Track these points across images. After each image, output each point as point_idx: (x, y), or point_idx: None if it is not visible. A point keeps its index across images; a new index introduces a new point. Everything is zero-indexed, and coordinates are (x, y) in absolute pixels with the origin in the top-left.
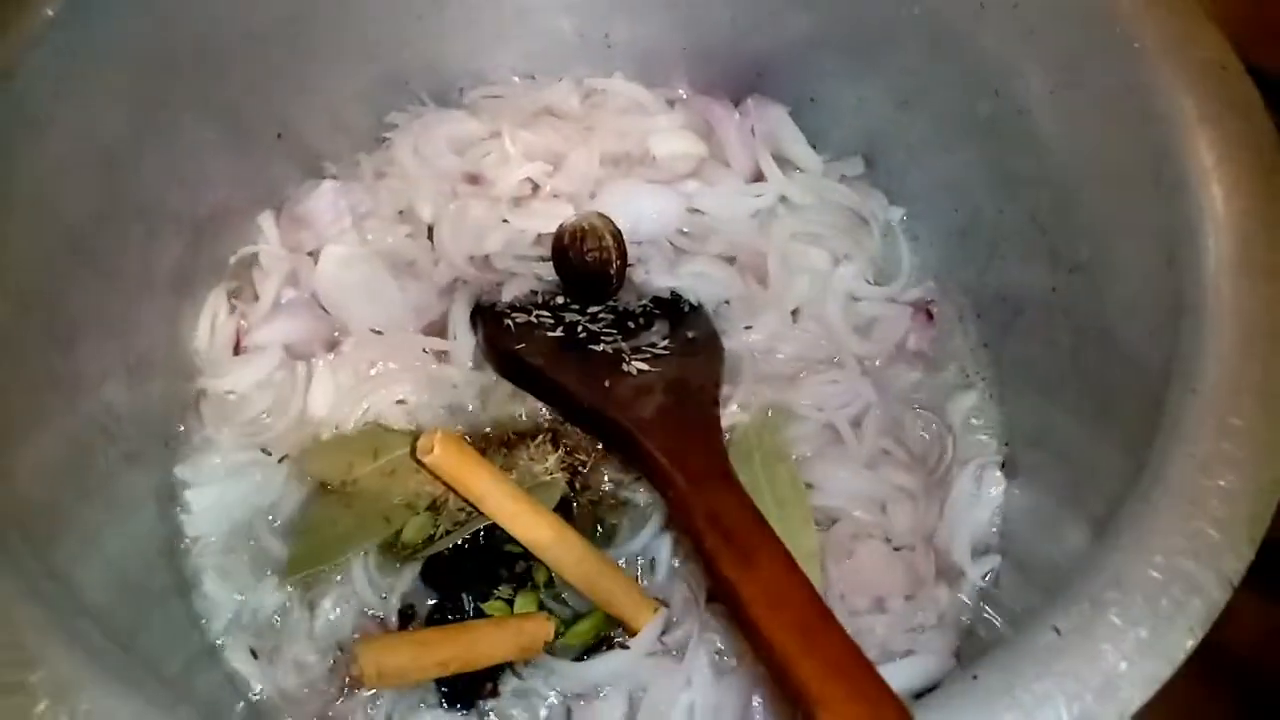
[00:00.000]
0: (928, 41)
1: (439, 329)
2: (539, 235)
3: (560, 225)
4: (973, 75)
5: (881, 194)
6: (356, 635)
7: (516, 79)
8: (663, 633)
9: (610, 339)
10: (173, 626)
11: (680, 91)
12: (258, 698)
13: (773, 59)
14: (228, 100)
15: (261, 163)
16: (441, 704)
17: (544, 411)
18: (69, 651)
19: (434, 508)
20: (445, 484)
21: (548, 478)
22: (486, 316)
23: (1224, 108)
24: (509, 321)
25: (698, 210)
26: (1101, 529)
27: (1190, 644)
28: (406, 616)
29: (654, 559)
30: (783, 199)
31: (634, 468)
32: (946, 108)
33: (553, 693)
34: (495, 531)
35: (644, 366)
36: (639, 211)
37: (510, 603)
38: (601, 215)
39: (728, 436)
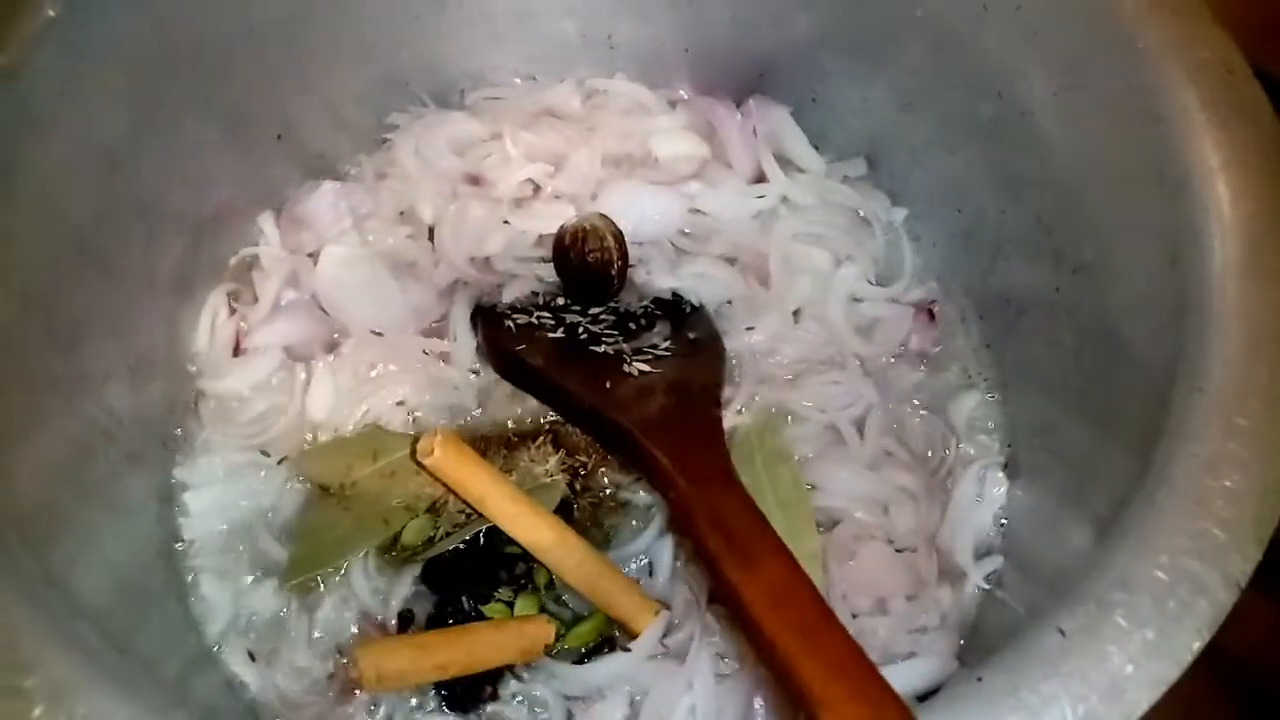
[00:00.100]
0: (930, 43)
1: (439, 330)
2: (540, 236)
3: (561, 226)
4: (976, 76)
5: (884, 195)
6: (355, 638)
7: (518, 80)
8: (664, 635)
9: (611, 340)
10: (170, 629)
11: (682, 92)
12: (256, 701)
13: (775, 60)
14: (228, 101)
15: (262, 163)
16: (441, 707)
17: (545, 413)
18: (66, 655)
19: (434, 510)
20: (445, 486)
21: (548, 480)
22: (487, 318)
23: (1230, 109)
24: (509, 323)
25: (699, 211)
26: (1105, 530)
27: (1197, 645)
28: (406, 619)
29: (655, 561)
30: (785, 200)
31: (635, 469)
32: (949, 109)
33: (553, 696)
34: (495, 534)
35: (645, 367)
36: (640, 212)
37: (510, 605)
38: (603, 216)
39: (729, 437)
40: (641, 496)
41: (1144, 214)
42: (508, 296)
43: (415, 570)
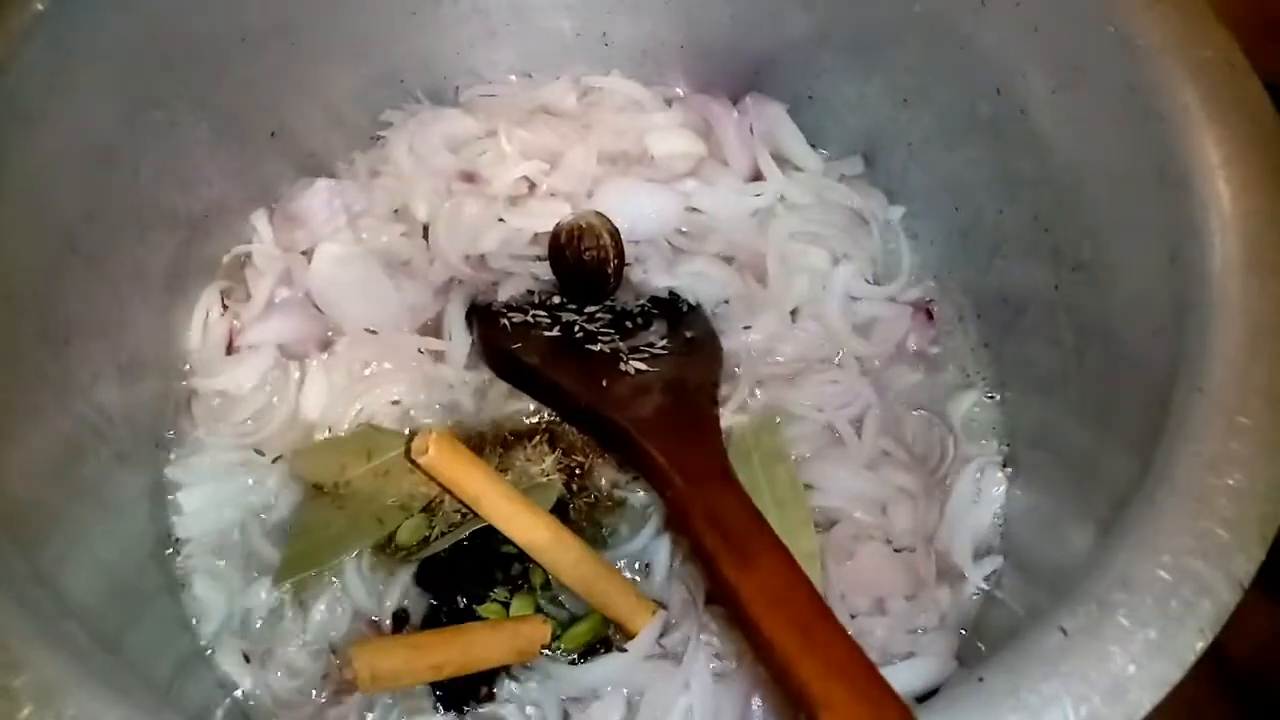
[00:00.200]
0: (928, 39)
1: (434, 329)
2: (536, 234)
3: (557, 224)
4: (973, 73)
5: (881, 193)
6: (350, 638)
7: (513, 77)
8: (661, 635)
9: (608, 339)
10: (162, 629)
11: (678, 89)
12: (249, 701)
13: (772, 57)
14: (221, 98)
15: (255, 161)
16: (436, 708)
17: (541, 412)
18: (54, 655)
19: (429, 509)
20: (440, 485)
21: (544, 479)
22: (482, 316)
23: (1230, 106)
24: (505, 321)
25: (696, 209)
26: (1106, 530)
27: (1200, 646)
28: (401, 619)
29: (652, 561)
30: (782, 198)
31: (632, 468)
32: (947, 106)
33: (549, 696)
34: (491, 533)
35: (642, 366)
36: (637, 210)
37: (506, 605)
38: (599, 214)
39: (726, 437)
40: (638, 496)
41: (1143, 211)
42: (503, 295)
43: (410, 570)
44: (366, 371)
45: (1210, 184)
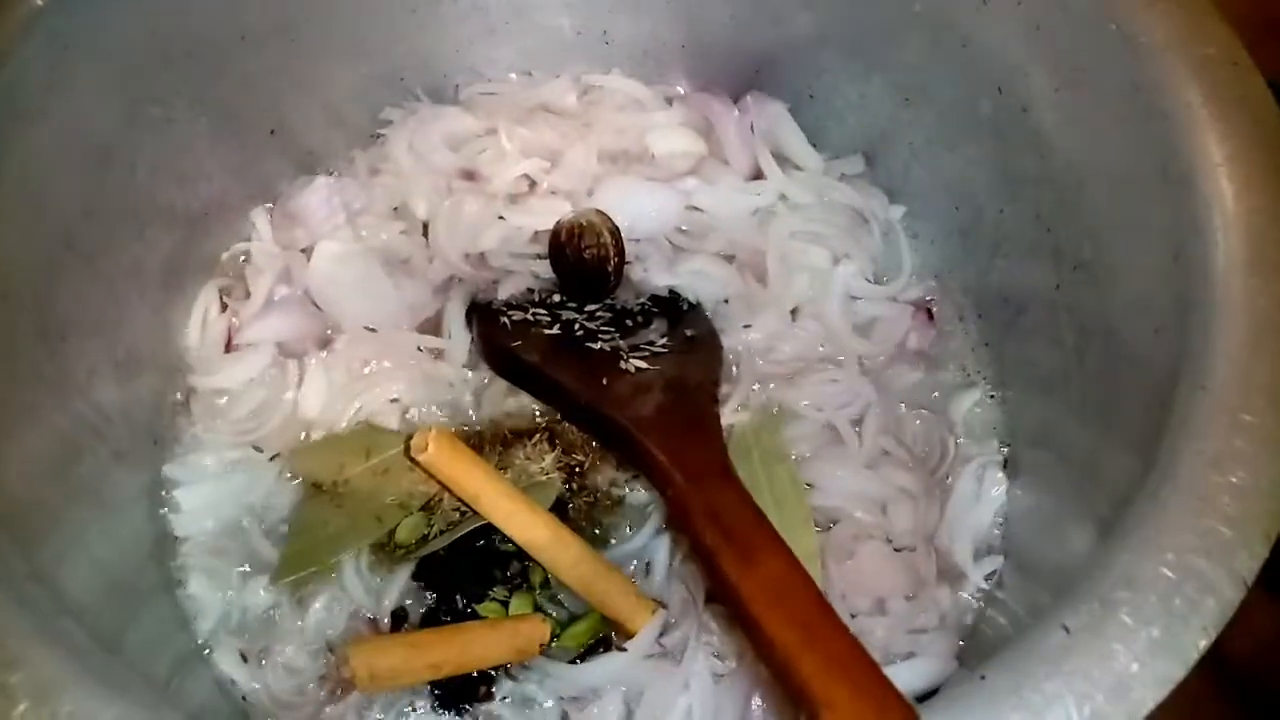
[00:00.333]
0: (929, 38)
1: (434, 327)
2: (536, 232)
3: (558, 222)
4: (975, 72)
5: (882, 192)
6: (348, 637)
7: (513, 75)
8: (660, 635)
9: (608, 337)
10: (160, 627)
11: (679, 88)
12: (247, 700)
13: (773, 56)
14: (220, 95)
15: (254, 158)
16: (435, 707)
17: (541, 410)
18: (51, 652)
19: (428, 508)
20: (439, 483)
21: (544, 477)
22: (482, 314)
23: (1233, 104)
24: (505, 319)
25: (696, 208)
26: (1107, 529)
27: (1204, 644)
28: (399, 618)
29: (651, 560)
30: (782, 197)
31: (632, 466)
32: (948, 105)
33: (548, 696)
34: (490, 532)
35: (642, 364)
36: (637, 209)
37: (505, 604)
38: (599, 212)
39: (726, 435)
40: (638, 495)
41: (1146, 210)
42: (503, 293)
43: (409, 569)
44: (366, 370)
45: (1213, 182)
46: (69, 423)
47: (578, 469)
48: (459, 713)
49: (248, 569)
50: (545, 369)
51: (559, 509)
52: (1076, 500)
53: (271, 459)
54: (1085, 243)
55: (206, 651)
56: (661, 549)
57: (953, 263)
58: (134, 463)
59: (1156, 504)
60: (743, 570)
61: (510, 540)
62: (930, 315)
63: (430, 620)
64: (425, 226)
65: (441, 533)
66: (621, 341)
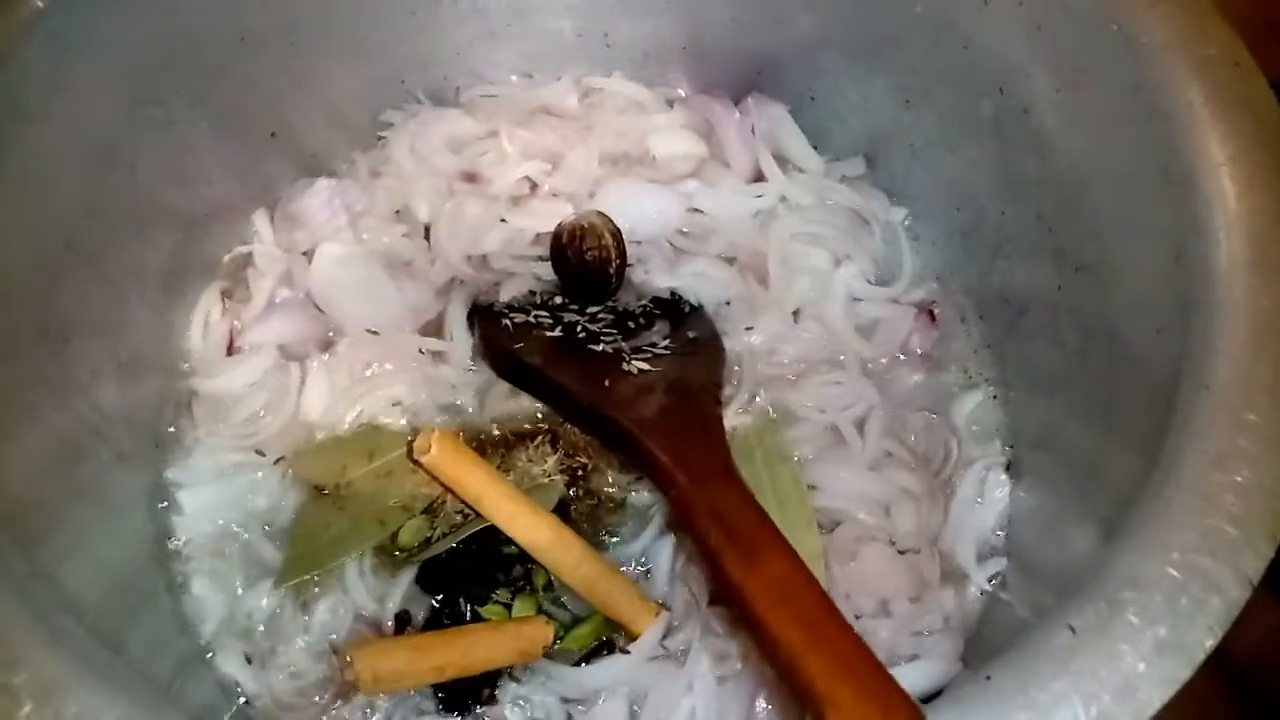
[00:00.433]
0: (930, 39)
1: (435, 329)
2: (537, 235)
3: (559, 224)
4: (976, 74)
5: (883, 194)
6: (351, 639)
7: (514, 78)
8: (664, 637)
9: (610, 339)
10: (162, 629)
11: (680, 90)
12: (250, 703)
13: (774, 58)
14: (221, 97)
15: (256, 160)
16: (438, 710)
17: (543, 412)
18: (55, 652)
19: (430, 510)
20: (442, 485)
21: (546, 480)
22: (484, 316)
23: (1235, 104)
24: (507, 321)
25: (698, 210)
26: (1111, 530)
27: (1210, 643)
28: (403, 621)
29: (654, 562)
30: (783, 199)
31: (635, 467)
32: (950, 107)
33: (552, 698)
34: (493, 535)
35: (644, 366)
36: (639, 211)
37: (508, 607)
38: (601, 214)
39: (729, 437)
40: (640, 497)
41: (1147, 211)
42: (505, 295)
43: (412, 571)
44: (368, 372)
45: (1215, 182)
46: (71, 424)
47: (580, 471)
48: (463, 715)
49: (251, 572)
50: (547, 371)
51: (561, 511)
52: (1079, 501)
53: (274, 462)
54: (1087, 243)
55: (209, 654)
56: (664, 551)
57: (954, 264)
58: (136, 464)
59: (1161, 504)
60: (746, 570)
61: (513, 542)
62: (932, 317)
63: (433, 623)
64: (427, 229)
65: (444, 535)
66: (623, 343)
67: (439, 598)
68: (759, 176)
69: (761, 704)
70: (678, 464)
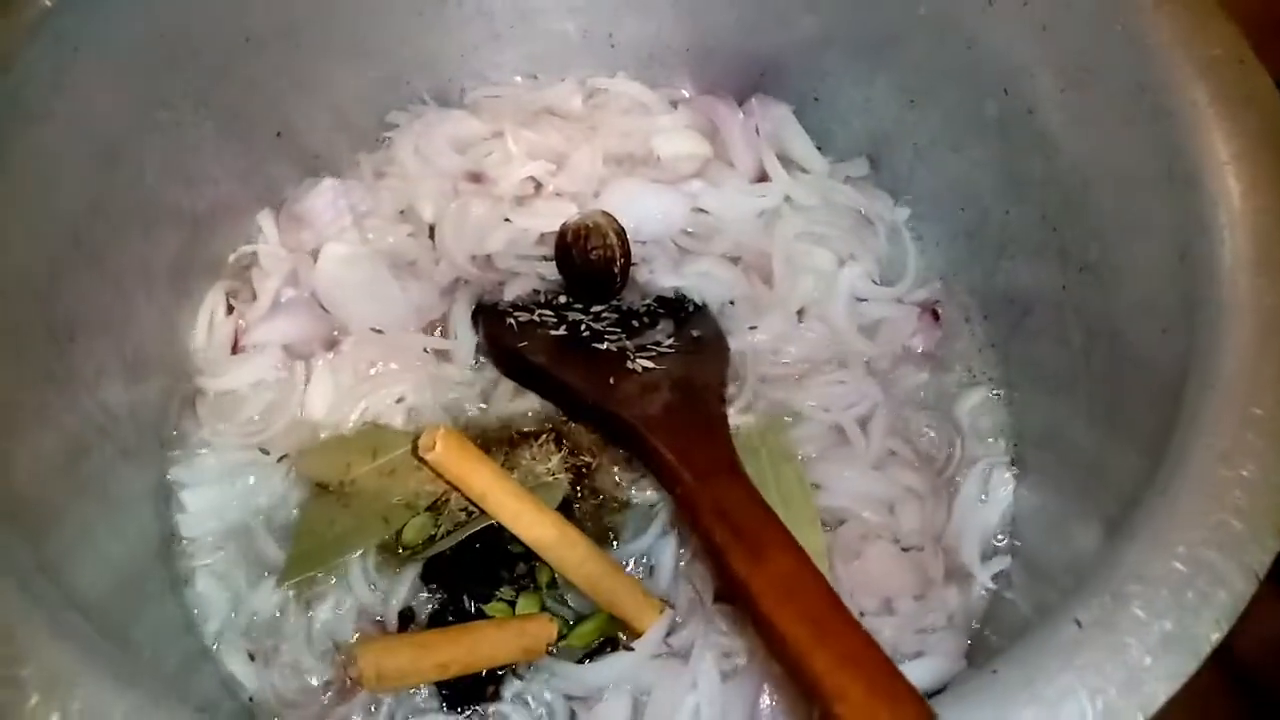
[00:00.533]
0: (934, 40)
1: (440, 329)
2: (542, 235)
3: (564, 223)
4: (980, 74)
5: (887, 195)
6: (355, 637)
7: (518, 79)
8: (668, 634)
9: (614, 338)
10: (167, 626)
11: (684, 91)
12: (254, 700)
13: (777, 59)
14: (226, 98)
15: (261, 161)
16: (442, 707)
17: (547, 411)
18: (60, 645)
19: (434, 508)
20: (446, 482)
21: (550, 478)
22: (488, 315)
23: (1240, 103)
24: (511, 320)
25: (702, 210)
26: (1114, 528)
27: (1216, 637)
28: (406, 618)
29: (658, 560)
30: (787, 199)
31: (641, 464)
32: (954, 107)
33: (555, 695)
34: (497, 532)
35: (649, 364)
36: (643, 211)
37: (512, 604)
38: (605, 214)
39: (733, 436)
40: (644, 495)
41: (1152, 210)
42: (509, 294)
43: (416, 569)
44: (372, 371)
45: (1220, 180)
46: (76, 422)
47: (584, 470)
48: (466, 712)
49: (254, 570)
50: (552, 369)
51: (565, 510)
52: (1083, 500)
53: (279, 460)
54: (1091, 243)
55: (213, 651)
56: (668, 549)
57: (958, 264)
58: (141, 463)
59: (1167, 499)
60: (752, 566)
61: (517, 540)
62: (936, 316)
63: (437, 620)
64: (431, 229)
65: (448, 533)
66: (628, 342)
67: (443, 595)
68: (763, 177)
69: (766, 701)
70: (683, 461)
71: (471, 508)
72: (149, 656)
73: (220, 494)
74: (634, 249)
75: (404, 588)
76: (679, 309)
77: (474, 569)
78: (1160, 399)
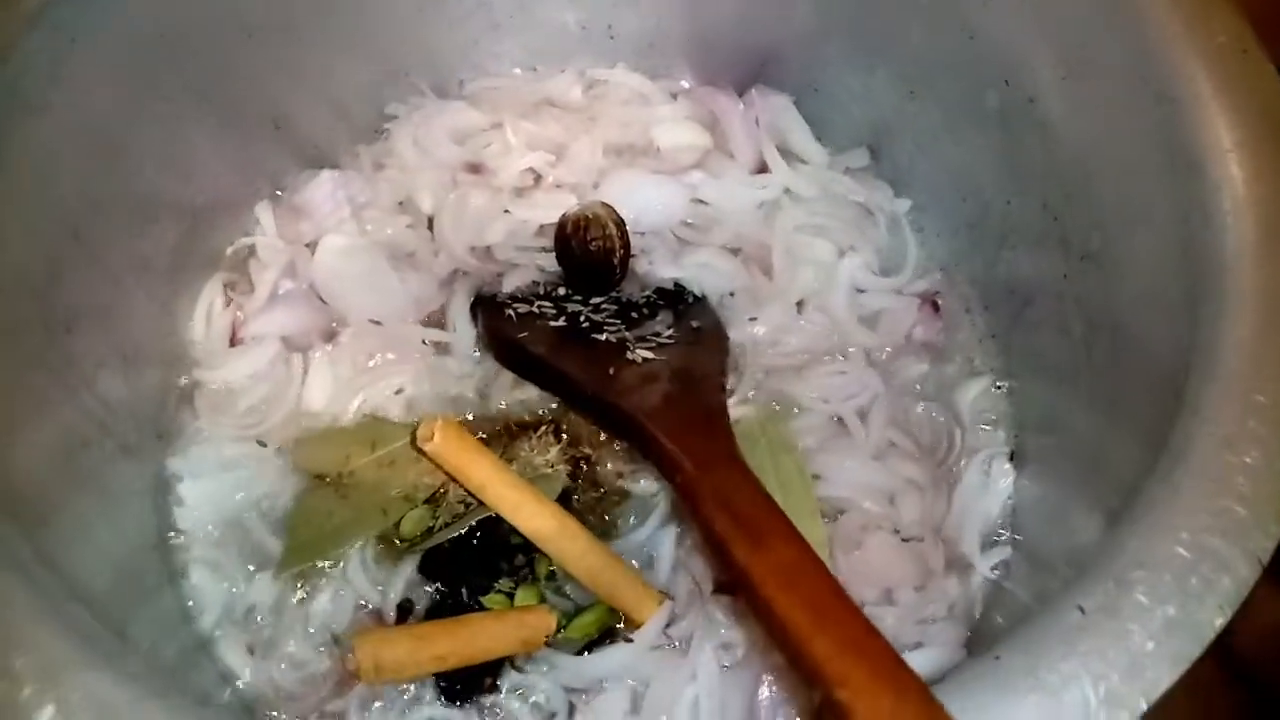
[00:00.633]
0: (934, 29)
1: (439, 320)
2: (541, 226)
3: (563, 214)
4: (981, 63)
5: (887, 186)
6: (353, 629)
7: (517, 70)
8: (667, 626)
9: (614, 329)
10: (165, 618)
11: (683, 82)
12: (251, 693)
13: (777, 49)
14: (225, 90)
15: (259, 153)
16: (440, 699)
17: (546, 403)
18: (58, 635)
19: (433, 500)
20: (445, 473)
21: (549, 470)
22: (487, 307)
23: (1244, 90)
24: (510, 311)
25: (702, 201)
26: (1117, 515)
27: (1220, 623)
28: (405, 610)
29: (657, 552)
30: (787, 191)
31: (640, 455)
32: (954, 98)
33: (554, 687)
34: (495, 525)
35: (648, 355)
36: (643, 202)
37: (511, 596)
38: (605, 204)
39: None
40: (643, 487)
41: (1154, 198)
42: (508, 286)
43: (414, 561)
44: (371, 363)
45: (1223, 168)
46: (74, 414)
47: (583, 462)
48: (465, 704)
49: (252, 562)
50: (552, 360)
51: (564, 502)
52: (1084, 490)
53: (276, 452)
54: (1093, 233)
55: (211, 643)
56: (667, 540)
57: (959, 255)
58: (138, 455)
59: (1170, 485)
60: (753, 554)
61: (516, 532)
62: (936, 307)
63: (436, 612)
64: (430, 220)
65: (446, 525)
66: (627, 333)
67: (441, 587)
68: (763, 168)
69: (765, 692)
70: (683, 450)
71: (470, 500)
72: (146, 648)
73: (218, 486)
74: (633, 240)
75: (402, 579)
76: (678, 300)
77: (473, 560)
78: (1161, 389)
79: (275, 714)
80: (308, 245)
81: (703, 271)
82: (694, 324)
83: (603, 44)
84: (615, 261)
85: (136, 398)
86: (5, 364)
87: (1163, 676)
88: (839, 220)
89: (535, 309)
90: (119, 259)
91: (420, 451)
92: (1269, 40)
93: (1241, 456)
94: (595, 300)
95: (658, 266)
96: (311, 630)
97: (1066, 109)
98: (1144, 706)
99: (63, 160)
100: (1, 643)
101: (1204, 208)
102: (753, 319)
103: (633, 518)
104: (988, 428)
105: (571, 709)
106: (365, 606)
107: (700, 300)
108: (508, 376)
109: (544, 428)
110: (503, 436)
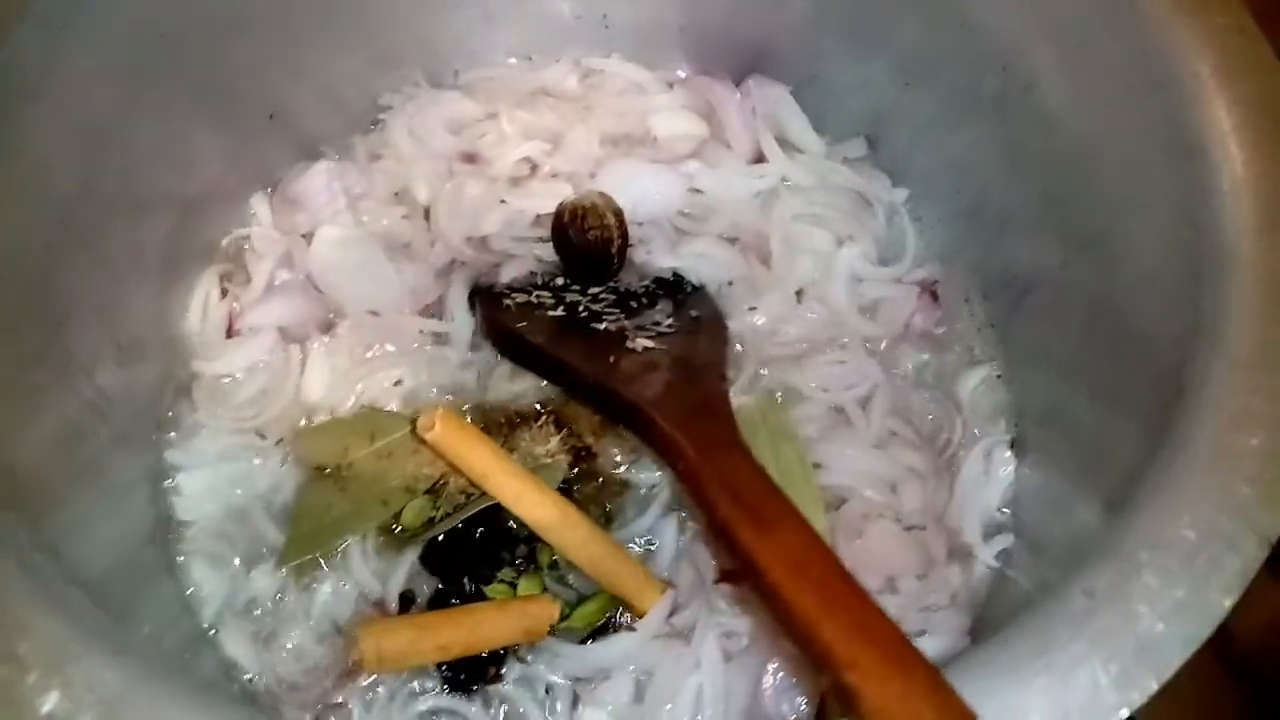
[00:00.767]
0: (930, 17)
1: (436, 311)
2: (538, 216)
3: (561, 203)
4: (978, 50)
5: (884, 175)
6: (355, 619)
7: (513, 60)
8: (670, 614)
9: (613, 318)
10: (166, 610)
11: (680, 72)
12: (254, 683)
13: (774, 39)
14: (219, 80)
15: (254, 144)
16: (443, 688)
17: (546, 393)
18: (60, 621)
19: (433, 490)
20: (446, 463)
21: (549, 460)
22: (485, 297)
23: (1242, 72)
24: (508, 302)
25: (699, 191)
26: (1121, 500)
27: (1228, 603)
28: (407, 601)
29: (659, 541)
30: (784, 180)
31: (643, 443)
32: (951, 86)
33: (558, 676)
34: (497, 514)
35: (648, 343)
36: (640, 191)
37: (513, 585)
38: (602, 194)
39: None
40: (644, 476)
41: (1153, 181)
42: (505, 276)
43: (416, 551)
44: (368, 354)
45: (1223, 148)
46: (72, 405)
47: (583, 452)
48: (468, 693)
49: (253, 553)
50: (551, 348)
51: (564, 491)
52: (1085, 477)
53: (275, 444)
54: (1092, 218)
55: (212, 634)
56: (669, 529)
57: (958, 244)
58: (136, 446)
59: (1175, 467)
60: (759, 539)
61: (518, 521)
62: (935, 296)
63: (438, 602)
64: (426, 211)
65: (448, 515)
66: (627, 322)
67: (443, 578)
68: (760, 158)
69: (769, 681)
70: (686, 436)
71: (471, 490)
72: (148, 638)
73: (217, 477)
74: (631, 230)
75: (404, 570)
76: (677, 290)
77: (475, 550)
78: (1163, 374)
79: (278, 705)
80: (304, 236)
81: (701, 261)
82: (693, 313)
83: (598, 33)
84: (613, 251)
85: (134, 389)
86: (1, 355)
87: (1174, 656)
88: (837, 210)
89: (533, 299)
90: (114, 250)
91: (421, 441)
92: (1266, 21)
93: (1247, 437)
94: (594, 290)
95: (656, 256)
96: (313, 621)
97: (1064, 94)
98: (1155, 687)
99: (56, 148)
100: (5, 628)
101: (1204, 189)
102: (752, 308)
103: (634, 507)
104: (988, 417)
105: (575, 698)
106: (367, 597)
107: (699, 289)
108: (506, 367)
109: (544, 418)
110: (502, 427)
